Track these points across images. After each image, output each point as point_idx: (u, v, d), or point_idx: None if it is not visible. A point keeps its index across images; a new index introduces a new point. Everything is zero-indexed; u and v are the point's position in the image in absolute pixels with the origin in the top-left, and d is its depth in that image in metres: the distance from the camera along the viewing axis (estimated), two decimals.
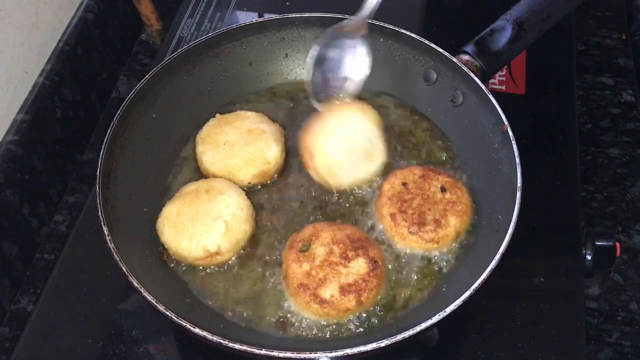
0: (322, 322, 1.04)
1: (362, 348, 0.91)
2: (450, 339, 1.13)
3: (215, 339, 0.91)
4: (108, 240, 1.00)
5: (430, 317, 0.92)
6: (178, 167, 1.23)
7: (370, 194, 1.18)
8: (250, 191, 1.18)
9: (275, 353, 0.90)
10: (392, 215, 1.11)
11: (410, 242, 1.10)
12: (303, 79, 1.29)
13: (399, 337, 0.91)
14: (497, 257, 0.97)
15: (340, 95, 1.14)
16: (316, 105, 1.16)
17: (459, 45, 1.22)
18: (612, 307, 1.25)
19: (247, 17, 1.61)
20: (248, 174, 1.18)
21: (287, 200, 1.18)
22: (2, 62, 1.28)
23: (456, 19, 1.59)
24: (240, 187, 1.17)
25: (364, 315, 1.04)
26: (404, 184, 1.14)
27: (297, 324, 1.04)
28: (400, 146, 1.25)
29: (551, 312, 1.14)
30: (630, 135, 1.47)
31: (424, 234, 1.09)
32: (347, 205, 1.17)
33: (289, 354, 0.90)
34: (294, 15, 1.30)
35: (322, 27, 1.20)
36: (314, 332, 1.04)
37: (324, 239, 1.07)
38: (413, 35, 1.25)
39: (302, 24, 1.30)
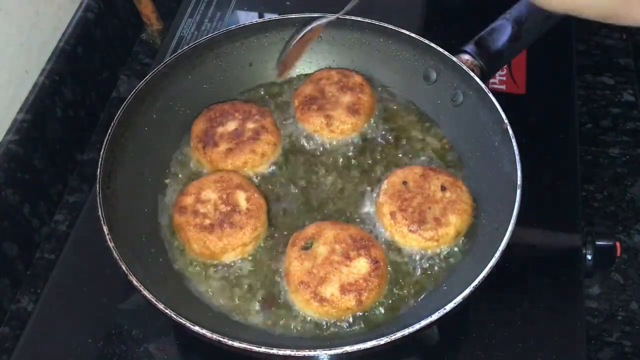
0: (322, 321, 1.04)
1: (362, 346, 0.90)
2: (450, 339, 1.13)
3: (215, 336, 0.91)
4: (108, 240, 1.00)
5: (430, 315, 0.92)
6: (178, 167, 1.23)
7: (370, 192, 1.18)
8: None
9: (274, 351, 0.90)
10: (392, 214, 1.11)
11: (410, 241, 1.09)
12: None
13: (399, 334, 0.91)
14: (497, 255, 0.97)
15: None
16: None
17: (459, 45, 1.22)
18: (612, 307, 1.25)
19: (247, 17, 1.61)
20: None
21: (287, 198, 1.18)
22: (2, 62, 1.28)
23: (456, 18, 1.59)
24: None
25: (364, 313, 1.04)
26: (404, 183, 1.14)
27: (297, 321, 1.04)
28: (400, 145, 1.25)
29: (551, 312, 1.14)
30: (630, 135, 1.47)
31: (424, 232, 1.09)
32: (347, 203, 1.17)
33: (288, 352, 0.90)
34: (294, 15, 1.30)
35: None
36: (313, 330, 1.04)
37: (327, 238, 1.07)
38: (413, 35, 1.25)
39: (302, 24, 1.30)
